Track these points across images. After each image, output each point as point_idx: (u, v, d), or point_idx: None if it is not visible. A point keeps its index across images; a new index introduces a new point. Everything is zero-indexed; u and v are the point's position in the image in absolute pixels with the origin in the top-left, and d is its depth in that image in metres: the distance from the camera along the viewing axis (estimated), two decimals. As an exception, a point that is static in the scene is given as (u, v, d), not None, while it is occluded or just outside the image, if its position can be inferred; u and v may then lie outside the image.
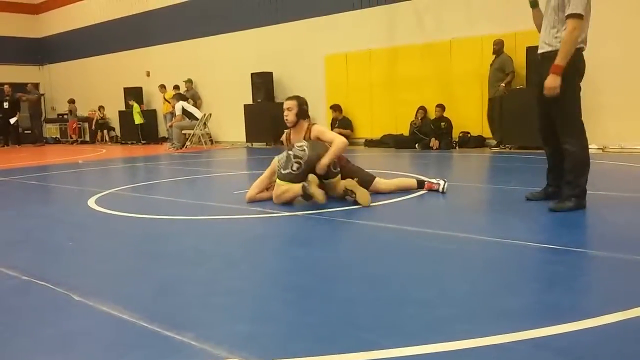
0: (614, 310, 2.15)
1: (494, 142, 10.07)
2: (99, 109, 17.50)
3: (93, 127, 17.79)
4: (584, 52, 4.05)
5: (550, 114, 4.12)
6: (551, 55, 3.96)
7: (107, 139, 17.50)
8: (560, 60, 3.87)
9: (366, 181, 4.98)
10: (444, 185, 5.12)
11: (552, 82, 3.90)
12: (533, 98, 4.31)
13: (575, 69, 3.95)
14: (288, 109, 5.14)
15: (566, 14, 3.86)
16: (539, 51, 4.15)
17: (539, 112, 4.26)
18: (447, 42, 10.73)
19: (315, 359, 1.84)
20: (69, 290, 2.64)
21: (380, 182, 5.13)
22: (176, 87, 15.00)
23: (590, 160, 4.11)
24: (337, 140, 4.82)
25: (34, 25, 20.81)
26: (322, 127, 5.17)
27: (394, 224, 3.89)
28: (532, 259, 2.98)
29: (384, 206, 4.71)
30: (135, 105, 15.89)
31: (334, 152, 4.74)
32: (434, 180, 5.21)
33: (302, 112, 5.13)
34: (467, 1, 10.44)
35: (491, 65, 9.92)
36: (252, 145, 13.61)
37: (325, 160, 4.68)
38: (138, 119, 15.91)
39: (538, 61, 4.22)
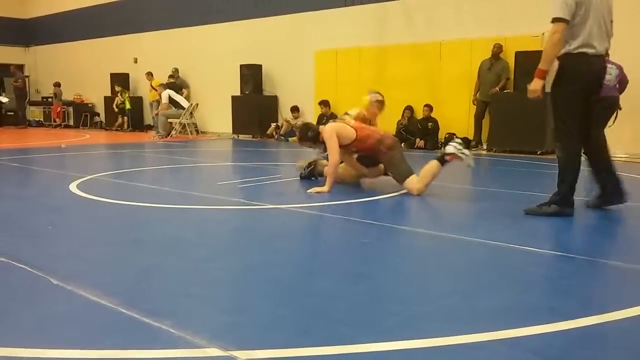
0: (591, 313, 2.18)
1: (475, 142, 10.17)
2: (120, 94, 15.87)
3: (116, 109, 16.06)
4: (593, 57, 3.95)
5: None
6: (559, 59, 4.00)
7: (126, 125, 16.06)
8: (540, 64, 3.97)
9: (400, 177, 5.11)
10: (468, 161, 4.95)
11: (533, 85, 4.03)
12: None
13: (566, 73, 3.94)
14: None
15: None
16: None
17: None
18: (437, 43, 10.77)
19: (292, 351, 1.84)
20: (48, 273, 2.62)
21: (413, 182, 5.01)
22: (171, 77, 14.86)
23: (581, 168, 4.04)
24: (329, 163, 5.17)
25: (21, 5, 20.47)
26: (327, 133, 5.17)
27: (378, 221, 3.91)
28: (513, 261, 3.01)
29: (368, 203, 4.73)
30: (123, 91, 15.74)
31: (330, 175, 5.09)
32: (456, 152, 4.94)
33: (310, 139, 5.40)
34: (457, 4, 10.49)
35: (489, 68, 9.94)
36: (238, 137, 13.56)
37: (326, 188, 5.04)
38: (126, 105, 15.76)
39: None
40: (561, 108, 4.04)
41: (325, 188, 4.99)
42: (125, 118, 15.94)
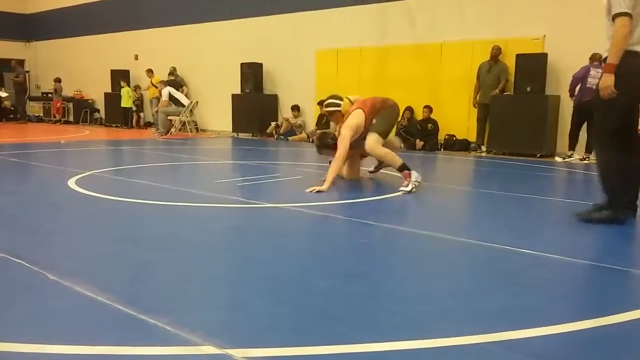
0: (589, 316, 2.18)
1: (476, 145, 10.17)
2: (135, 89, 15.79)
3: (134, 107, 15.87)
4: None
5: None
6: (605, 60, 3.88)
7: (142, 123, 16.00)
8: (610, 58, 3.76)
9: (374, 128, 5.42)
10: (412, 186, 5.07)
11: (605, 81, 3.77)
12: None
13: (622, 72, 3.75)
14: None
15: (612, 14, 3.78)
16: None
17: None
18: (438, 44, 10.76)
19: (289, 350, 1.84)
20: (44, 269, 2.61)
21: (373, 140, 5.35)
22: (171, 74, 14.84)
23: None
24: (332, 164, 5.27)
25: (22, 1, 20.45)
26: (342, 134, 5.36)
27: (377, 221, 3.90)
28: (512, 263, 3.00)
29: (368, 203, 4.72)
30: (127, 88, 15.73)
31: (330, 175, 5.17)
32: (413, 176, 5.14)
33: (330, 146, 5.61)
34: (459, 5, 10.48)
35: (488, 71, 9.94)
36: (237, 135, 13.55)
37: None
38: (127, 102, 15.75)
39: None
40: (614, 109, 3.83)
41: (324, 187, 4.99)
42: (141, 114, 15.89)
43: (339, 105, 5.85)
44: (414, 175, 5.14)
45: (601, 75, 3.81)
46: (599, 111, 3.93)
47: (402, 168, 5.23)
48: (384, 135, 5.48)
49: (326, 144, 5.70)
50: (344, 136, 5.28)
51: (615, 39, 3.74)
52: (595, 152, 3.96)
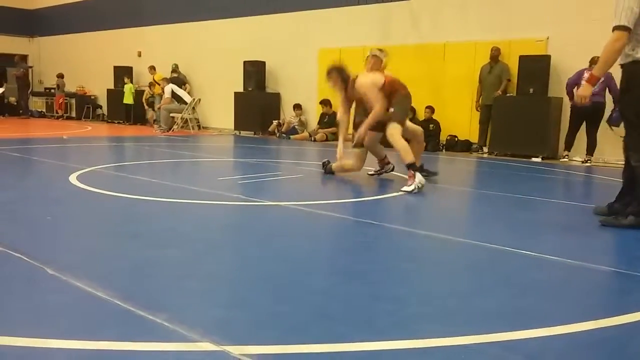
0: (587, 318, 2.18)
1: (478, 146, 10.19)
2: (150, 86, 15.16)
3: (146, 104, 15.58)
4: None
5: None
6: (624, 67, 3.91)
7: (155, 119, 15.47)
8: (595, 70, 3.91)
9: (395, 117, 5.61)
10: (414, 187, 5.05)
11: (582, 90, 3.99)
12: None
13: (638, 81, 3.83)
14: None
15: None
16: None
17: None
18: (441, 44, 10.75)
19: (286, 347, 1.84)
20: (44, 263, 2.62)
21: (396, 130, 5.56)
22: (174, 71, 14.85)
23: None
24: (374, 112, 5.62)
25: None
26: (366, 85, 5.78)
27: (377, 220, 3.90)
28: (510, 264, 3.01)
29: (369, 202, 4.72)
30: (130, 84, 15.74)
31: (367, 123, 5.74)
32: (417, 178, 5.11)
33: (340, 78, 5.97)
34: (462, 6, 10.47)
35: (489, 72, 9.95)
36: (239, 133, 13.55)
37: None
38: (129, 99, 15.75)
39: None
40: (634, 115, 3.88)
41: (361, 130, 5.73)
42: (152, 112, 15.77)
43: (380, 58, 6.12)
44: (418, 177, 5.10)
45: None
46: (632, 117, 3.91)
47: (410, 166, 5.21)
48: (402, 124, 5.65)
49: (338, 73, 6.04)
50: (368, 89, 5.61)
51: (606, 51, 3.77)
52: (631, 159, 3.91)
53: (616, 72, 4.15)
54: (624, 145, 4.05)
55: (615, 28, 3.75)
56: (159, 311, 2.09)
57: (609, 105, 8.45)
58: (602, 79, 8.46)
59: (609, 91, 8.47)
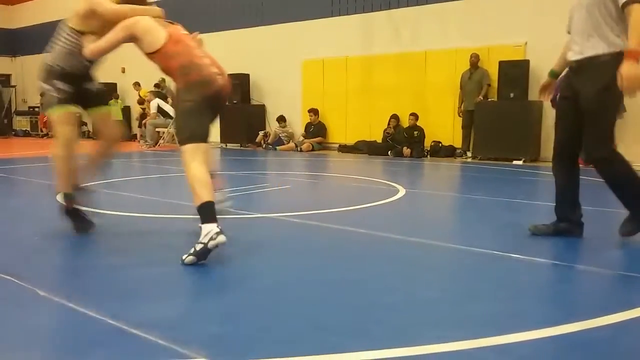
0: (579, 319, 2.21)
1: (462, 151, 10.30)
2: (145, 102, 15.01)
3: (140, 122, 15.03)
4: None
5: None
6: (587, 62, 3.35)
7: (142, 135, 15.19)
8: (635, 43, 3.07)
9: (178, 134, 3.52)
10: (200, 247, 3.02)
11: (630, 69, 3.05)
12: (561, 111, 3.66)
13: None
14: None
15: (622, 4, 3.17)
16: (573, 58, 3.46)
17: (564, 127, 3.62)
18: (422, 53, 10.87)
19: (282, 360, 1.85)
20: (34, 285, 2.60)
21: (191, 155, 3.34)
22: (157, 86, 14.82)
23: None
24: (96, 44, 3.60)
25: (8, 15, 20.35)
26: (123, 23, 3.62)
27: (365, 228, 3.92)
28: (501, 268, 3.04)
29: (357, 211, 4.75)
30: (114, 101, 15.68)
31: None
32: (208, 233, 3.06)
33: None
34: (442, 14, 10.60)
35: (469, 78, 10.09)
36: (226, 146, 13.55)
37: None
38: (118, 115, 15.69)
39: (571, 70, 3.56)
40: (612, 115, 3.46)
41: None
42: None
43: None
44: (212, 231, 3.03)
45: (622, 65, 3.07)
46: (603, 115, 3.36)
47: (202, 214, 3.19)
48: (197, 138, 3.32)
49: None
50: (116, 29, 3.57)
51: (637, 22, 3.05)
52: (605, 165, 3.40)
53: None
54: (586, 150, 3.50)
55: (633, 2, 3.11)
56: (152, 329, 2.08)
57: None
58: None
59: None
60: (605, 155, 3.38)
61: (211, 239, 3.00)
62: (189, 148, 3.31)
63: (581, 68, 3.43)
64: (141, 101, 15.07)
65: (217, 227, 3.07)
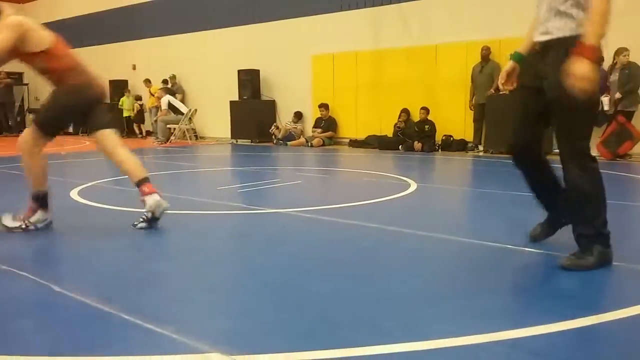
0: (590, 313, 2.20)
1: (473, 145, 10.26)
2: (136, 99, 15.53)
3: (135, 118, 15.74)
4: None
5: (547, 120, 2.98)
6: (555, 43, 2.81)
7: (143, 132, 15.92)
8: (591, 37, 2.59)
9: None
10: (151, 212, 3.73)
11: (582, 68, 2.57)
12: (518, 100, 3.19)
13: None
14: None
15: None
16: (539, 39, 2.91)
17: (525, 117, 3.10)
18: (433, 46, 10.81)
19: (294, 355, 1.86)
20: (49, 281, 2.63)
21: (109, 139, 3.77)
22: (165, 82, 14.91)
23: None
24: None
25: (19, 14, 20.48)
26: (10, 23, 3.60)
27: (376, 223, 3.92)
28: (512, 262, 3.03)
29: (367, 206, 4.75)
30: (126, 97, 15.82)
31: None
32: (151, 197, 3.75)
33: None
34: (452, 7, 10.53)
35: (480, 71, 10.04)
36: (237, 141, 13.58)
37: None
38: (130, 111, 15.86)
39: (537, 53, 2.97)
40: (586, 110, 2.79)
41: None
42: (142, 125, 15.90)
43: None
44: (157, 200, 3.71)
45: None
46: (573, 109, 2.74)
47: (140, 184, 3.78)
48: (44, 127, 3.72)
49: None
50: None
51: (601, 12, 2.59)
52: (577, 171, 2.83)
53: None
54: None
55: None
56: (166, 323, 2.11)
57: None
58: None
59: (600, 89, 8.56)
60: (576, 162, 2.81)
61: (157, 205, 3.69)
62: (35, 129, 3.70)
63: (547, 51, 2.86)
64: (138, 99, 15.30)
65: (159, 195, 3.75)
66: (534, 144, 3.12)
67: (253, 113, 13.14)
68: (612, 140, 8.55)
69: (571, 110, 2.76)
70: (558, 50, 2.78)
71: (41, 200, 3.80)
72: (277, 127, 12.84)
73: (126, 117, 15.94)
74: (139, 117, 15.81)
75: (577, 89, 2.59)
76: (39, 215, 3.80)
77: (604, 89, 8.56)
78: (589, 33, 2.61)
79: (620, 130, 8.51)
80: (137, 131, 15.96)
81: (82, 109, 3.78)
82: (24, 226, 3.75)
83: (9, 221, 3.76)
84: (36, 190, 3.80)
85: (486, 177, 7.25)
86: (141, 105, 15.67)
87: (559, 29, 2.79)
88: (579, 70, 2.57)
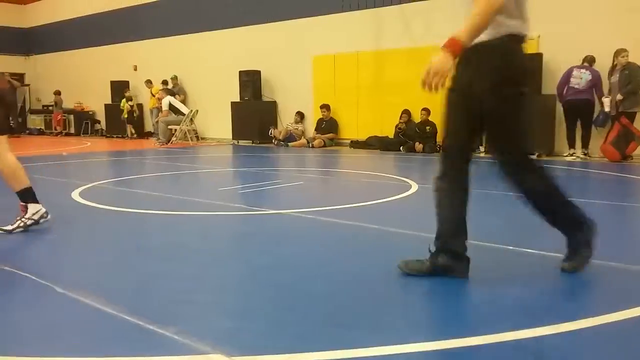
0: (594, 314, 2.20)
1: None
2: (127, 99, 15.62)
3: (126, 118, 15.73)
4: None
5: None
6: (471, 50, 2.74)
7: (135, 133, 15.98)
8: (462, 34, 2.67)
9: None
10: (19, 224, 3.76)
11: (440, 61, 2.64)
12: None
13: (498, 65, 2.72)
14: None
15: None
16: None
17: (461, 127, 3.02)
18: (434, 47, 10.77)
19: (296, 356, 1.86)
20: (52, 282, 2.64)
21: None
22: (164, 82, 14.94)
23: None
24: None
25: (21, 15, 20.56)
26: None
27: (377, 224, 3.93)
28: (515, 263, 3.03)
29: (370, 207, 4.75)
30: (127, 99, 15.85)
31: None
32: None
33: None
34: (454, 8, 10.48)
35: None
36: (238, 142, 13.59)
37: None
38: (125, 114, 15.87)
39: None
40: (517, 115, 2.88)
41: None
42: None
43: None
44: (41, 210, 3.84)
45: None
46: (506, 116, 2.80)
47: (29, 196, 3.83)
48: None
49: None
50: None
51: (483, 11, 2.64)
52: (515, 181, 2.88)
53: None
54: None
55: None
56: (168, 324, 2.11)
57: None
58: (590, 77, 8.67)
59: (595, 90, 8.66)
60: (510, 169, 2.78)
61: (42, 217, 3.82)
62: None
63: (466, 57, 2.73)
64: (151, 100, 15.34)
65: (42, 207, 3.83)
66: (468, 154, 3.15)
67: (254, 114, 13.15)
68: (621, 141, 8.55)
69: (504, 121, 2.87)
70: (475, 55, 2.80)
71: (31, 197, 3.88)
72: (276, 129, 12.84)
73: (127, 118, 15.95)
74: (130, 118, 15.84)
75: (427, 81, 2.62)
76: (31, 209, 3.84)
77: (600, 90, 8.65)
78: (462, 27, 2.64)
79: (624, 132, 8.51)
80: (128, 132, 16.01)
81: None
82: (21, 224, 3.77)
83: (8, 226, 3.77)
84: (21, 189, 3.86)
85: (487, 178, 7.25)
86: (131, 107, 15.72)
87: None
88: (437, 63, 2.61)
